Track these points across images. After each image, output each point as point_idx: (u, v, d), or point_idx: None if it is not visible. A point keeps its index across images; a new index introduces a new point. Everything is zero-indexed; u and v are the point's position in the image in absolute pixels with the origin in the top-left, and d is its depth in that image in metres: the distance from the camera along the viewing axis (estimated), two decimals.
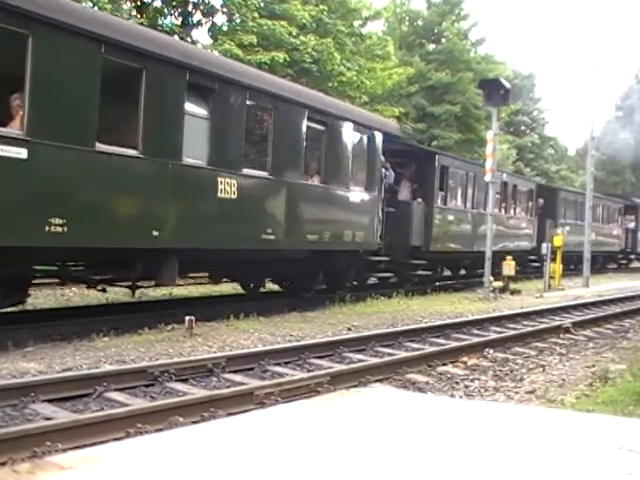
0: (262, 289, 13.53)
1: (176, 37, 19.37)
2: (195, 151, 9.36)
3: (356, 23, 25.24)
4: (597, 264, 27.52)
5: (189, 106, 9.30)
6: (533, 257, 23.12)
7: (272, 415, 2.90)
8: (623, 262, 34.58)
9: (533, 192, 24.25)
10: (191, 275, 12.84)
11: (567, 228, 25.08)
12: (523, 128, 51.05)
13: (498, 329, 10.64)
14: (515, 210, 22.63)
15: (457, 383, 6.97)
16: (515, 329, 10.63)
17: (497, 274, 16.95)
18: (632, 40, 63.80)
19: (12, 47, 7.39)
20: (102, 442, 4.20)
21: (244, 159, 10.37)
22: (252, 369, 7.05)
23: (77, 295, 13.06)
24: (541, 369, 7.80)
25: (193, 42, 19.97)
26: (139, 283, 10.17)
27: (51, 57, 7.56)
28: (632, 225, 33.89)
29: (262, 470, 2.07)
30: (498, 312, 12.64)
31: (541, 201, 25.16)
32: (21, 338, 7.71)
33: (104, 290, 10.19)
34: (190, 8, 19.51)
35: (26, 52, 7.26)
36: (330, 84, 21.96)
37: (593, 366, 7.86)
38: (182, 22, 19.55)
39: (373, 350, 8.48)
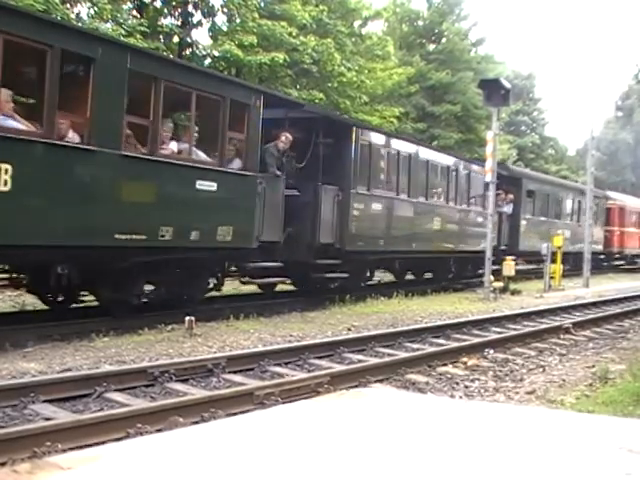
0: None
1: (176, 38, 19.43)
2: None
3: (356, 23, 25.29)
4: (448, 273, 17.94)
5: None
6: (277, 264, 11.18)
7: (272, 415, 2.90)
8: (495, 268, 17.10)
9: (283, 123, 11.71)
10: None
11: (377, 207, 13.97)
12: (523, 128, 51.10)
13: (498, 329, 10.64)
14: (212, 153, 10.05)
15: (457, 383, 6.98)
16: (515, 329, 10.63)
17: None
18: (632, 40, 63.92)
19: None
20: (102, 442, 4.21)
21: None
22: (252, 369, 7.06)
23: None
24: (541, 369, 7.81)
25: (192, 42, 19.99)
26: None
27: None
28: (509, 208, 20.91)
29: (262, 471, 2.07)
30: (498, 312, 12.64)
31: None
32: (21, 338, 7.73)
33: None
34: (190, 8, 19.51)
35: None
36: (330, 84, 21.97)
37: (593, 366, 7.87)
38: (182, 22, 19.55)
39: (373, 350, 8.49)
